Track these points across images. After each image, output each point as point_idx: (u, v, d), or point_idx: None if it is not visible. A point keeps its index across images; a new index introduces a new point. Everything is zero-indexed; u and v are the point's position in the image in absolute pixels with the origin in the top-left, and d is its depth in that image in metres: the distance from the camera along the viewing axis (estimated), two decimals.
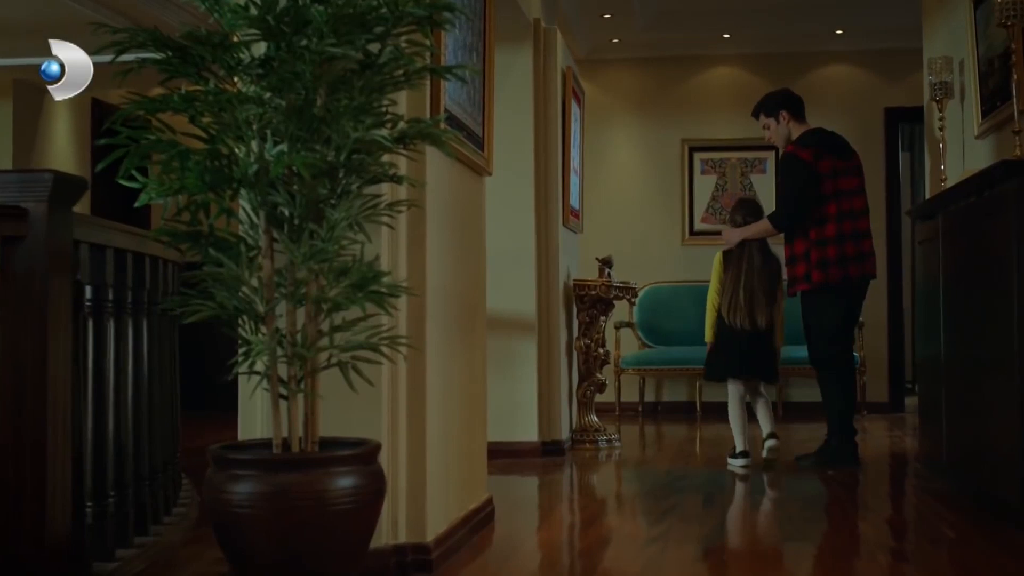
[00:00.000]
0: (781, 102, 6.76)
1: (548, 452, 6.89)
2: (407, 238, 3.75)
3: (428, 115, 3.66)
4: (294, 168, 3.12)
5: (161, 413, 4.30)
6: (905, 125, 10.27)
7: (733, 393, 6.61)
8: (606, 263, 7.49)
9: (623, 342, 9.66)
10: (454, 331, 4.22)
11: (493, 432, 6.64)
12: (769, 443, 6.46)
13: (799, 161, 6.40)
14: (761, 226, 6.53)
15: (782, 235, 6.56)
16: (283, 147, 3.11)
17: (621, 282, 7.48)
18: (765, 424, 6.55)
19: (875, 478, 6.38)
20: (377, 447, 3.22)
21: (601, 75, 10.15)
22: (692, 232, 10.12)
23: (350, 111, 3.19)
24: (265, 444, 3.23)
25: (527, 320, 6.89)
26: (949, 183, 6.06)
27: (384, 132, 3.15)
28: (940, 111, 6.29)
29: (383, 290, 3.29)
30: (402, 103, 3.66)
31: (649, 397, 9.92)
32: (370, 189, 3.31)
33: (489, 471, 6.43)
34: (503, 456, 6.71)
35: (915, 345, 10.78)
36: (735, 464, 6.42)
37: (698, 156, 10.16)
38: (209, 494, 3.08)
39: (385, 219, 3.39)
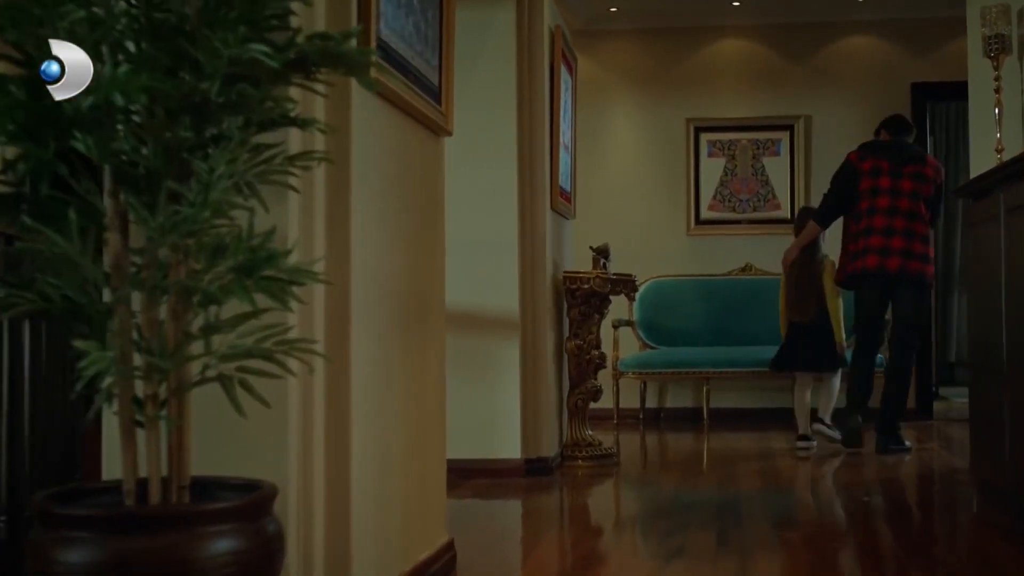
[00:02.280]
0: (881, 124, 7.19)
1: (533, 471, 5.96)
2: (325, 208, 2.81)
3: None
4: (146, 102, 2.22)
5: (45, 434, 3.41)
6: (935, 104, 9.28)
7: (797, 381, 7.18)
8: (602, 252, 6.55)
9: (621, 343, 8.83)
10: (396, 332, 3.28)
11: (469, 448, 5.76)
12: (800, 443, 6.96)
13: (844, 161, 6.98)
14: (808, 228, 7.03)
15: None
16: (124, 69, 2.17)
17: (619, 274, 6.53)
18: (815, 414, 7.09)
19: (920, 507, 5.43)
20: (271, 494, 2.33)
21: (598, 48, 9.29)
22: (698, 221, 9.31)
23: (229, 23, 2.26)
24: (118, 488, 2.33)
25: (508, 318, 5.96)
26: (1008, 155, 5.11)
27: (265, 48, 2.21)
28: (996, 68, 5.34)
29: (281, 276, 2.37)
30: (318, 19, 2.72)
31: (651, 403, 9.10)
32: (267, 137, 2.39)
33: (463, 495, 5.53)
34: (480, 476, 5.80)
35: (962, 341, 9.91)
36: (798, 445, 6.95)
37: (705, 137, 9.34)
38: (32, 565, 2.19)
39: (285, 178, 2.45)
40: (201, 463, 2.49)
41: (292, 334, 2.68)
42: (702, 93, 9.31)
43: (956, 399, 9.49)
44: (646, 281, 8.88)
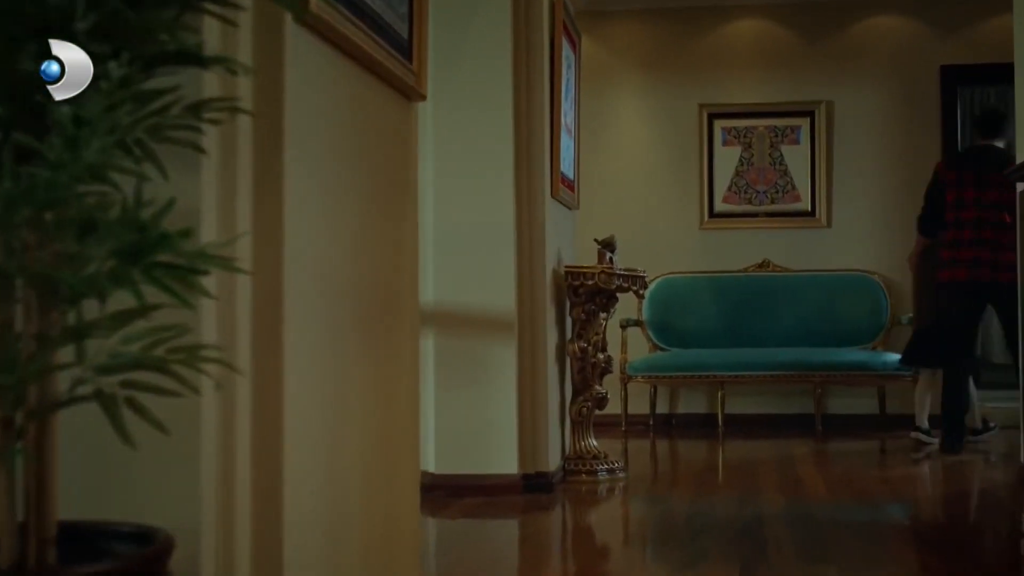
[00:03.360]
0: (972, 124, 7.40)
1: (532, 488, 5.36)
2: (252, 177, 2.21)
3: None
4: None
5: None
6: (965, 89, 8.66)
7: (921, 379, 7.29)
8: (607, 246, 5.96)
9: (630, 344, 8.29)
10: (351, 334, 2.68)
11: (460, 463, 5.19)
12: (920, 437, 7.08)
13: (933, 171, 7.11)
14: (918, 238, 7.21)
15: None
16: None
17: (626, 269, 5.94)
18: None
19: (968, 531, 4.82)
20: (165, 548, 1.77)
21: (604, 29, 8.72)
22: (712, 214, 8.78)
23: None
24: None
25: (503, 317, 5.37)
26: None
27: None
28: None
29: (180, 262, 1.80)
30: None
31: (661, 409, 8.54)
32: (169, 82, 1.82)
33: (453, 515, 4.96)
34: (472, 493, 5.23)
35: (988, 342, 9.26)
36: (920, 439, 7.07)
37: (719, 124, 8.79)
38: None
39: (191, 135, 1.87)
40: (94, 503, 1.95)
41: (206, 338, 2.09)
42: (716, 77, 8.75)
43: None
44: (656, 278, 8.38)
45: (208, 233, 2.11)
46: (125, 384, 1.74)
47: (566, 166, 6.01)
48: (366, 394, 2.78)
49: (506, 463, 5.35)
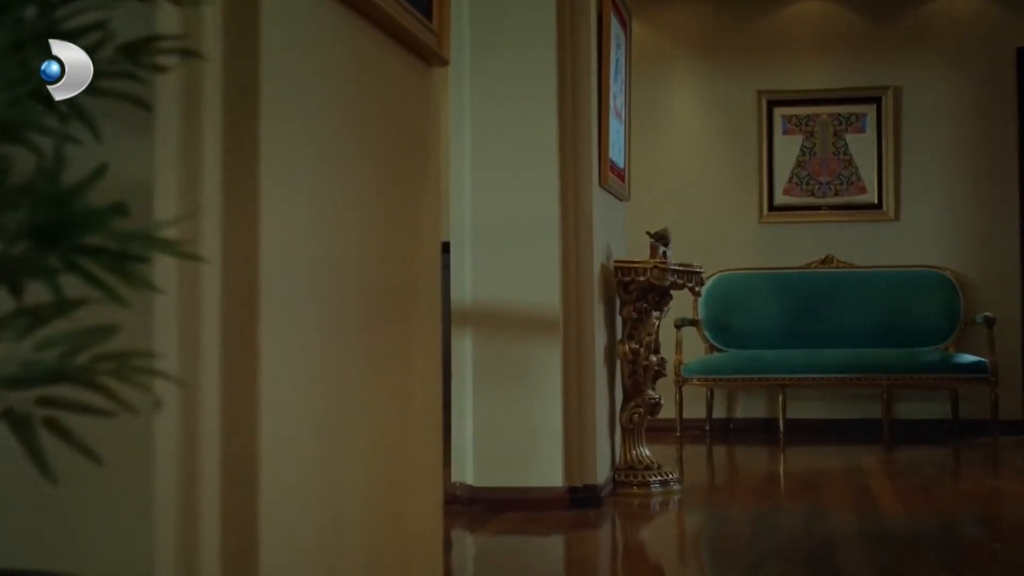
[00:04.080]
0: None
1: (579, 502, 4.93)
2: (221, 143, 1.80)
3: None
4: None
5: None
6: None
7: None
8: (660, 239, 5.51)
9: (685, 345, 7.83)
10: (353, 335, 2.27)
11: (500, 475, 4.79)
12: None
13: None
14: None
15: None
16: None
17: (681, 265, 5.48)
18: None
19: None
20: None
21: (656, 13, 8.29)
22: (772, 207, 8.31)
23: None
24: None
25: (547, 317, 4.95)
26: None
27: None
28: None
29: (109, 246, 1.42)
30: None
31: (718, 413, 8.09)
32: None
33: (493, 531, 4.55)
34: (514, 508, 4.82)
35: None
36: None
37: (779, 112, 8.31)
38: None
39: (122, 86, 1.49)
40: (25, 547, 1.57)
41: (161, 342, 1.69)
42: (776, 61, 8.27)
43: None
44: (713, 275, 7.91)
45: (165, 212, 1.71)
46: (43, 401, 1.36)
47: (615, 153, 5.56)
48: (371, 404, 2.37)
49: (550, 475, 4.92)
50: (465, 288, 5.01)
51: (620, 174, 5.78)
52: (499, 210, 4.97)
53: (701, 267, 5.66)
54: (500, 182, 4.96)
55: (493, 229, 4.97)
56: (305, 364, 2.02)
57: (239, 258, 1.80)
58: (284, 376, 1.91)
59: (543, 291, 4.96)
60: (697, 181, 8.28)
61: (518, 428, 4.94)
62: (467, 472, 4.97)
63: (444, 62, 2.66)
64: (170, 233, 1.60)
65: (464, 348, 5.00)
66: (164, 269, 1.65)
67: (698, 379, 7.65)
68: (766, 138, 8.26)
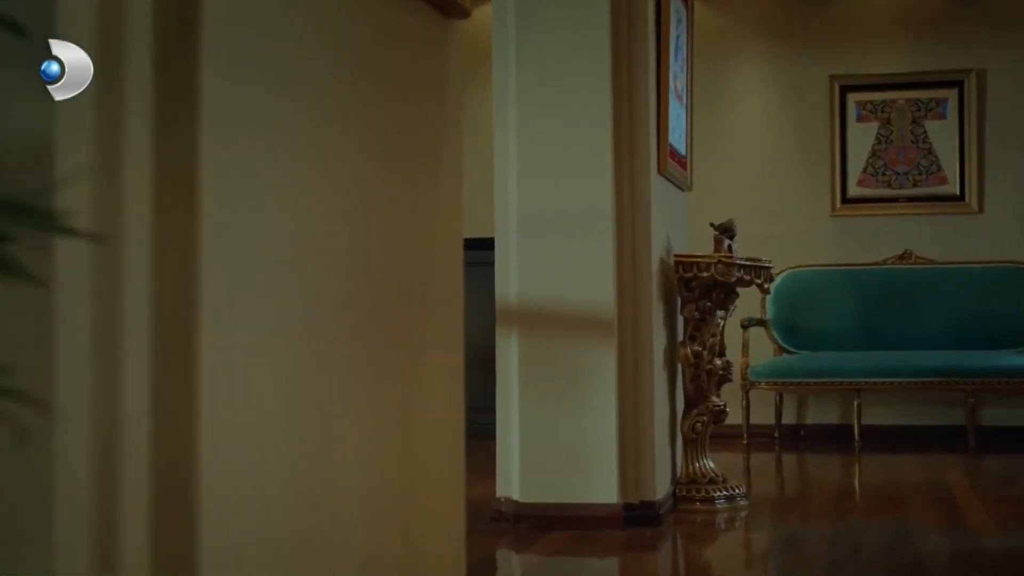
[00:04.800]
0: None
1: (635, 520, 4.49)
2: (151, 100, 1.39)
3: None
4: None
5: None
6: None
7: None
8: (726, 231, 5.06)
9: (752, 346, 7.39)
10: (339, 341, 1.85)
11: (548, 490, 4.39)
12: None
13: None
14: None
15: None
16: None
17: (748, 259, 5.02)
18: None
19: None
20: None
21: None
22: (845, 199, 7.86)
23: None
24: None
25: (601, 316, 4.53)
26: None
27: None
28: None
29: None
30: None
31: (788, 419, 7.65)
32: None
33: (541, 552, 4.15)
34: (564, 527, 4.42)
35: None
36: None
37: (853, 98, 7.85)
38: None
39: None
40: None
41: (64, 347, 1.30)
42: (849, 44, 7.80)
43: None
44: (782, 272, 7.50)
45: (78, 185, 1.31)
46: None
47: (676, 138, 5.11)
48: (360, 416, 1.95)
49: (604, 490, 4.49)
50: (510, 286, 4.60)
51: (681, 161, 5.32)
52: (547, 200, 4.55)
53: (770, 262, 5.19)
54: (548, 169, 4.55)
55: (540, 221, 4.56)
56: (265, 373, 1.61)
57: (175, 246, 1.40)
58: (236, 389, 1.50)
59: (596, 288, 4.53)
60: (765, 172, 7.85)
61: (568, 438, 4.51)
62: (513, 486, 4.56)
63: (465, 13, 2.25)
64: (59, 205, 1.20)
65: (509, 351, 4.59)
66: (67, 258, 1.26)
67: (766, 383, 7.26)
68: (839, 126, 7.81)
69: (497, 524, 4.52)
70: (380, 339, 2.01)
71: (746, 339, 7.31)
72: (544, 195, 4.56)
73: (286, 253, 1.65)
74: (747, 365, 7.24)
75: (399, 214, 2.08)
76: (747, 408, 7.24)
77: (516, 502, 4.54)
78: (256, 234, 1.55)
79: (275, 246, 1.61)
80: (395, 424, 2.08)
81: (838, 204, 7.79)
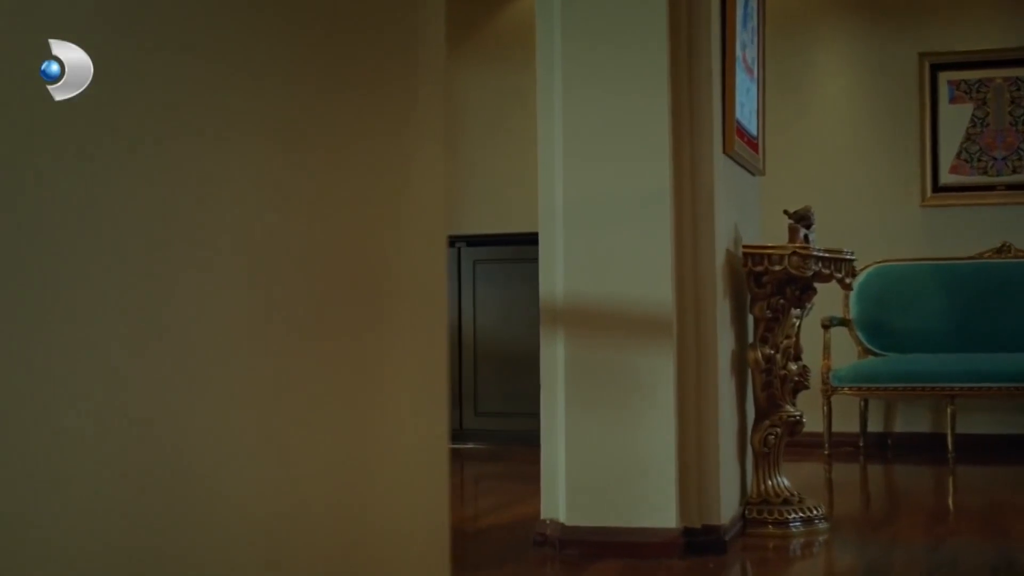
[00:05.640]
0: None
1: (697, 547, 3.97)
2: None
3: None
4: None
5: None
6: None
7: None
8: (802, 219, 4.50)
9: (834, 348, 6.84)
10: (249, 344, 1.36)
11: (598, 512, 3.91)
12: None
13: None
14: None
15: None
16: None
17: (828, 251, 4.46)
18: None
19: None
20: None
21: None
22: (936, 188, 7.25)
23: None
24: None
25: (657, 315, 4.00)
26: None
27: None
28: None
29: None
30: None
31: (874, 427, 7.07)
32: None
33: None
34: (615, 554, 3.94)
35: None
36: None
37: (945, 77, 7.24)
38: None
39: None
40: None
41: None
42: (941, 18, 7.22)
43: None
44: (867, 267, 6.98)
45: None
46: None
47: (745, 115, 4.56)
48: (301, 423, 1.46)
49: (662, 513, 3.96)
50: (556, 282, 4.10)
51: (752, 143, 4.77)
52: (596, 184, 4.04)
53: (852, 254, 4.61)
54: (597, 149, 4.03)
55: (589, 209, 4.05)
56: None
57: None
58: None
59: (651, 284, 4.01)
60: (848, 158, 7.29)
61: (621, 453, 3.99)
62: (559, 508, 4.05)
63: None
64: None
65: (555, 354, 4.08)
66: None
67: (850, 388, 6.69)
68: (929, 108, 7.21)
69: (540, 549, 4.03)
70: (322, 344, 1.53)
71: (827, 340, 6.76)
72: (593, 179, 4.05)
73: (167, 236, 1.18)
74: (829, 368, 6.70)
75: (346, 187, 1.60)
76: (828, 415, 6.68)
77: (562, 525, 4.03)
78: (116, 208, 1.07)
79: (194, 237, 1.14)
80: (330, 439, 1.59)
81: (928, 193, 7.19)
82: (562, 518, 4.04)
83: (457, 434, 7.36)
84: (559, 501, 4.06)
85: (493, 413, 7.41)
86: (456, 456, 7.06)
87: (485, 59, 7.74)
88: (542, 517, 4.11)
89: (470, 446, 7.27)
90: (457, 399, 7.43)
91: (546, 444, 4.13)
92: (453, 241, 7.44)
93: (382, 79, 1.69)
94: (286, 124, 1.45)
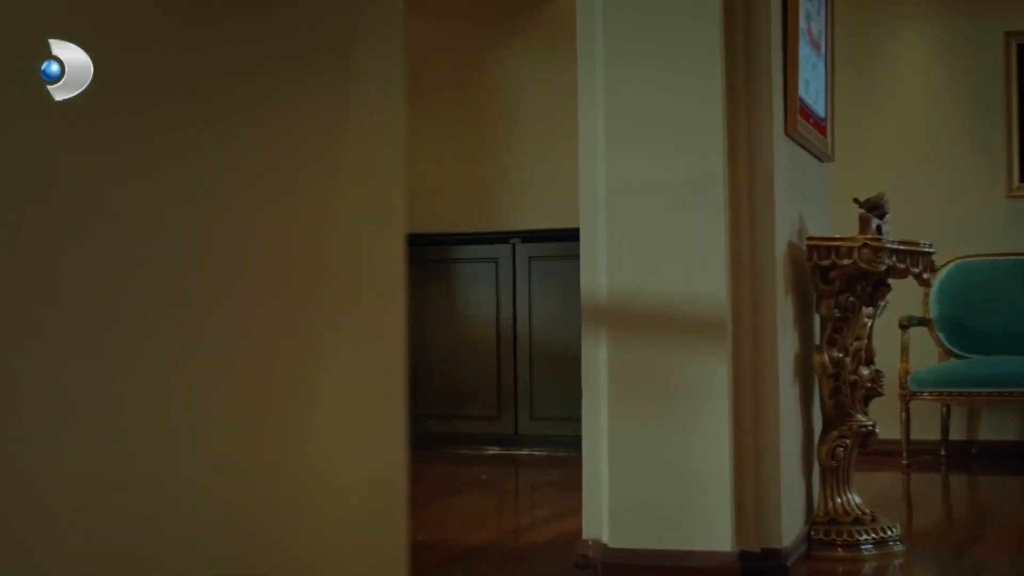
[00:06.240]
0: None
1: (755, 573, 3.59)
2: None
3: None
4: None
5: None
6: None
7: None
8: (874, 208, 4.09)
9: (914, 349, 6.39)
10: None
11: (646, 533, 3.58)
12: None
13: None
14: None
15: None
16: None
17: (903, 243, 4.03)
18: None
19: None
20: None
21: None
22: None
23: None
24: None
25: (710, 315, 3.62)
26: None
27: None
28: None
29: None
30: None
31: (956, 435, 6.63)
32: None
33: None
34: None
35: None
36: None
37: None
38: None
39: None
40: None
41: None
42: None
43: None
44: (948, 263, 6.57)
45: None
46: None
47: (811, 94, 4.15)
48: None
49: (715, 535, 3.57)
50: (599, 278, 3.73)
51: (819, 125, 4.34)
52: (641, 170, 3.66)
53: (930, 246, 4.17)
54: (643, 130, 3.66)
55: (633, 196, 3.67)
56: None
57: None
58: None
59: (704, 279, 3.62)
60: (926, 144, 6.88)
61: (670, 468, 3.61)
62: (601, 528, 3.68)
63: None
64: None
65: (597, 358, 3.71)
66: None
67: (930, 393, 6.26)
68: (1016, 90, 6.75)
69: (582, 573, 3.65)
70: (225, 337, 1.24)
71: (906, 341, 6.32)
72: (637, 165, 3.67)
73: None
74: (907, 372, 6.26)
75: (265, 157, 1.33)
76: (907, 422, 6.24)
77: (605, 546, 3.66)
78: None
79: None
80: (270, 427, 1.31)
81: (1016, 182, 6.75)
82: (605, 539, 3.67)
83: (512, 440, 7.03)
84: (602, 520, 3.68)
85: (550, 418, 7.04)
86: (511, 463, 6.72)
87: (540, 51, 7.40)
88: (584, 537, 3.75)
89: (525, 452, 6.91)
90: (512, 403, 7.09)
91: (588, 456, 3.76)
92: (507, 237, 7.13)
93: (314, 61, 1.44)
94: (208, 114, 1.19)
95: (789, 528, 3.72)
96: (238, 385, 1.40)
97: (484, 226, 7.36)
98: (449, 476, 6.15)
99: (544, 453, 6.82)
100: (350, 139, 1.52)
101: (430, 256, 7.34)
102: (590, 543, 3.72)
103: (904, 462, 6.13)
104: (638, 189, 3.66)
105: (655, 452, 3.62)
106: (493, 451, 6.99)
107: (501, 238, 7.19)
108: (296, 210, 1.44)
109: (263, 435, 1.43)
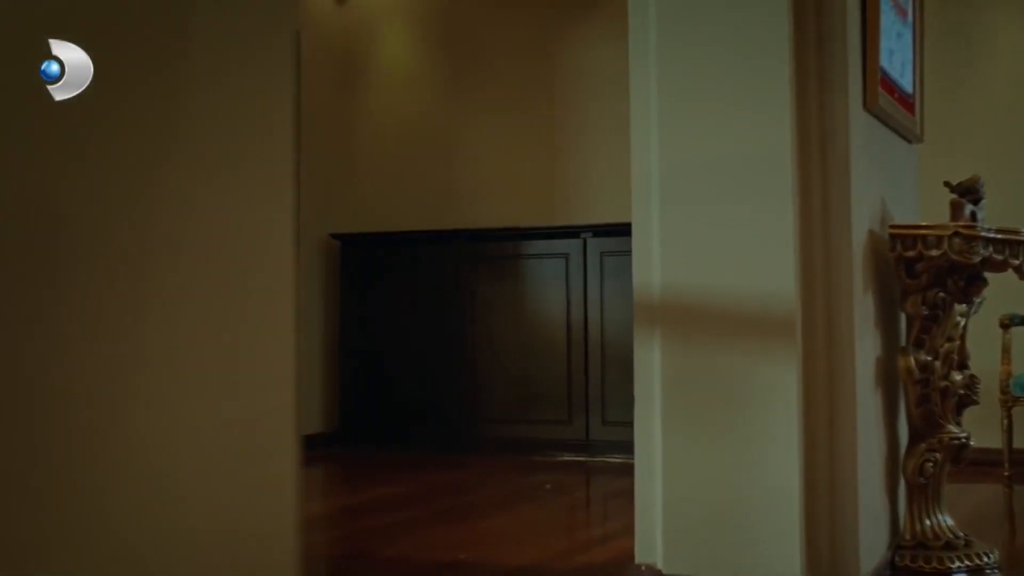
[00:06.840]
0: None
1: None
2: None
3: None
4: None
5: None
6: None
7: None
8: (967, 192, 3.66)
9: (1016, 351, 5.82)
10: None
11: (704, 558, 3.18)
12: None
13: None
14: None
15: None
16: None
17: (1002, 231, 3.58)
18: None
19: None
20: None
21: None
22: None
23: None
24: None
25: (776, 313, 3.22)
26: None
27: None
28: None
29: None
30: None
31: None
32: None
33: None
34: None
35: None
36: None
37: None
38: None
39: None
40: None
41: None
42: None
43: None
44: None
45: None
46: None
47: (895, 67, 3.71)
48: None
49: (783, 560, 3.17)
50: (652, 274, 3.35)
51: (906, 101, 3.90)
52: (698, 152, 3.27)
53: None
54: (699, 109, 3.27)
55: (690, 181, 3.28)
56: None
57: None
58: None
59: (769, 273, 3.22)
60: None
61: (731, 485, 3.22)
62: (655, 551, 3.30)
63: None
64: None
65: (650, 361, 3.33)
66: None
67: None
68: None
69: None
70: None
71: (1007, 341, 5.80)
72: (693, 147, 3.28)
73: None
74: (1009, 375, 5.74)
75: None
76: (1009, 430, 5.73)
77: (659, 573, 3.27)
78: None
79: None
80: None
81: None
82: (660, 564, 3.29)
83: (583, 446, 6.66)
84: (656, 543, 3.31)
85: (624, 423, 6.63)
86: (581, 470, 6.35)
87: (613, 41, 7.02)
88: (636, 561, 3.37)
89: (598, 459, 6.53)
90: (583, 407, 6.71)
91: (640, 472, 3.39)
92: (578, 231, 6.77)
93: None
94: None
95: (869, 554, 3.29)
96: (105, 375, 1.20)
97: (553, 220, 7.02)
98: (513, 485, 5.80)
99: (618, 460, 6.43)
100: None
101: (496, 252, 7.02)
102: (643, 568, 3.34)
103: (1006, 474, 5.63)
104: (697, 172, 3.27)
105: (714, 467, 3.22)
106: (565, 457, 6.63)
107: (571, 232, 6.83)
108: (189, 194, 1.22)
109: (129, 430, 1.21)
